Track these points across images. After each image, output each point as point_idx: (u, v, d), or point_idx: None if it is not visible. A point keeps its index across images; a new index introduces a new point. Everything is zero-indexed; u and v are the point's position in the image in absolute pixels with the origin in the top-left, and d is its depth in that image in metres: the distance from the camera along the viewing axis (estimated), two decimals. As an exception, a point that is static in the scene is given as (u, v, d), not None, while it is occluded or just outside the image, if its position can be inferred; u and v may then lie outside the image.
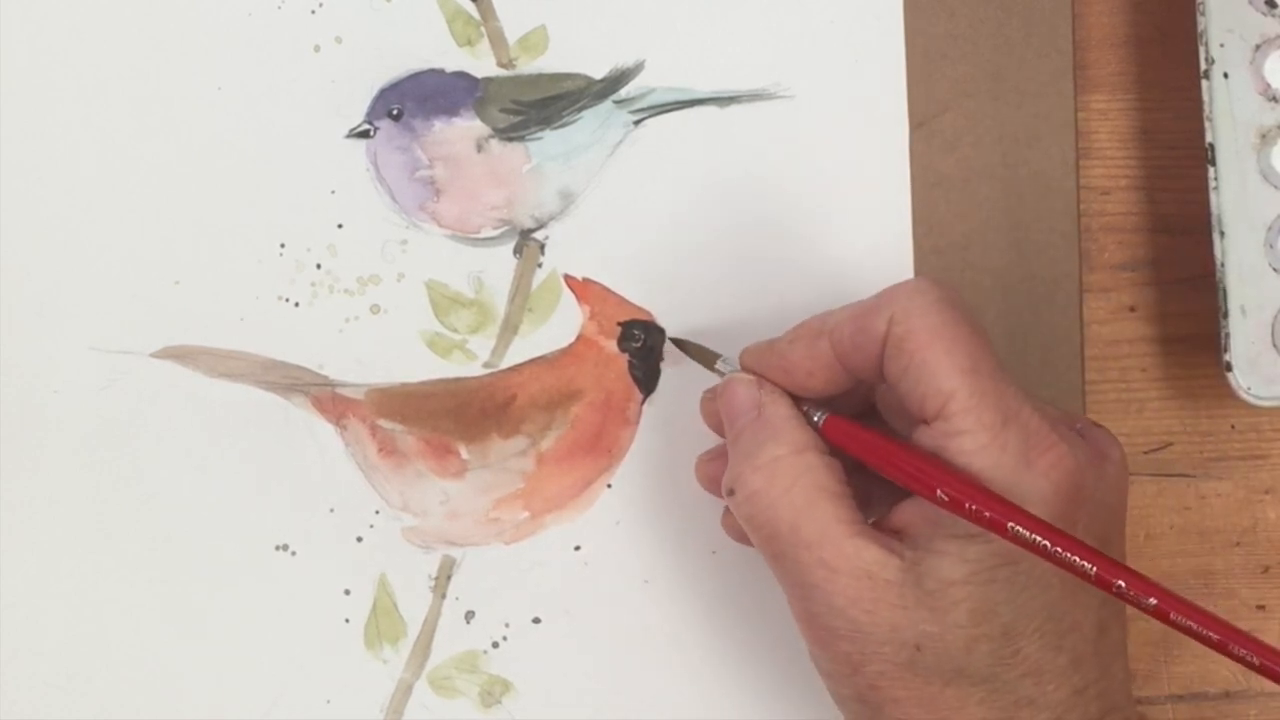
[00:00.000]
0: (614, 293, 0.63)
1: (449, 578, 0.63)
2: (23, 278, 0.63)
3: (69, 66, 0.63)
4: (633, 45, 0.63)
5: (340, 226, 0.63)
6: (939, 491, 0.54)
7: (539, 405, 0.63)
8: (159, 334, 0.63)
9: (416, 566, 0.63)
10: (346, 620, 0.63)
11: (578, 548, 0.63)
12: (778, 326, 0.59)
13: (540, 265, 0.63)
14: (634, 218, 0.63)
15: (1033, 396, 0.55)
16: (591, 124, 0.63)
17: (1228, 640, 0.52)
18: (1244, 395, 0.61)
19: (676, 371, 0.63)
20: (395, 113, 0.63)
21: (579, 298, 0.63)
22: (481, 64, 0.63)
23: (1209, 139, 0.61)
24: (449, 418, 0.63)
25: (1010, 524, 0.53)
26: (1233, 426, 0.65)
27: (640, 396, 0.63)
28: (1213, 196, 0.61)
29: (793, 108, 0.63)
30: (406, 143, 0.63)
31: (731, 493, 0.57)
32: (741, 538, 0.58)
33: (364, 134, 0.63)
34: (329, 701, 0.63)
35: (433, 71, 0.63)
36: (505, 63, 0.63)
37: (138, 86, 0.63)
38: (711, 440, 0.61)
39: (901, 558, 0.55)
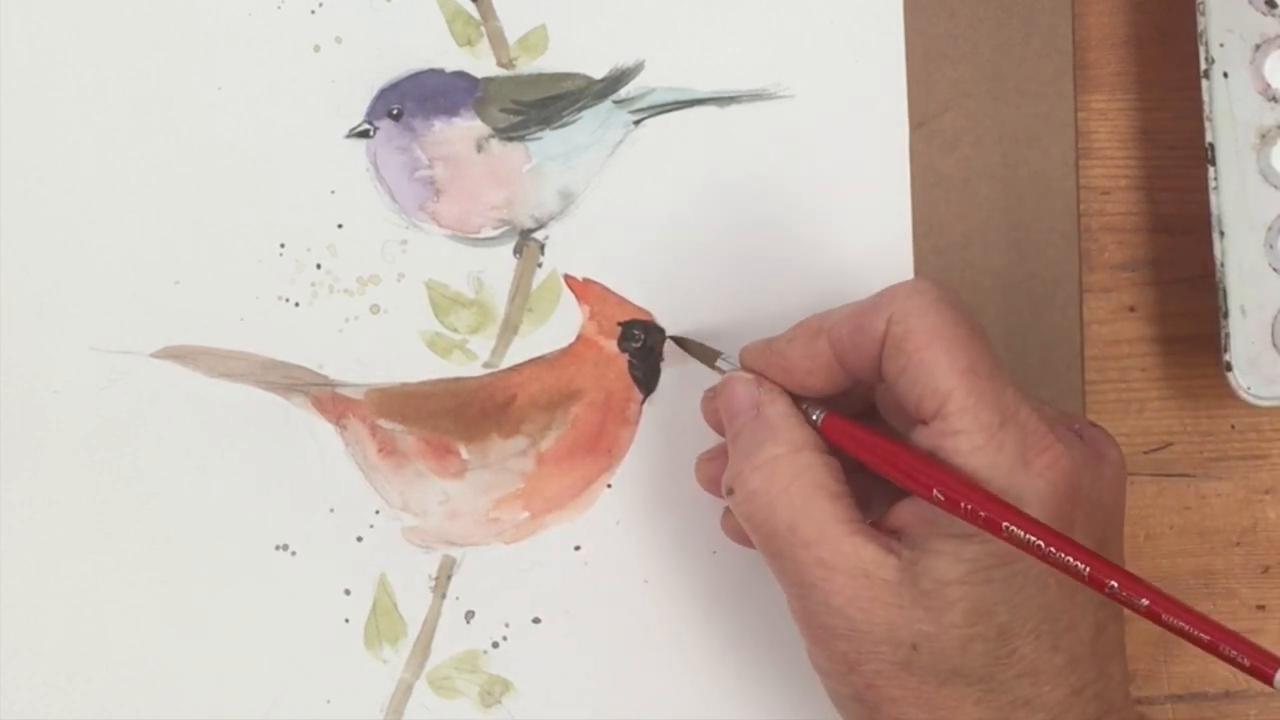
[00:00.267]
0: (614, 293, 0.63)
1: (449, 578, 0.63)
2: (23, 278, 0.63)
3: (69, 66, 0.63)
4: (633, 45, 0.63)
5: (340, 226, 0.63)
6: (934, 491, 0.54)
7: (539, 405, 0.63)
8: (159, 334, 0.63)
9: (416, 566, 0.63)
10: (346, 620, 0.63)
11: (578, 548, 0.63)
12: (778, 326, 0.59)
13: (540, 265, 0.63)
14: (634, 218, 0.63)
15: (1031, 397, 0.56)
16: (591, 124, 0.63)
17: (1218, 641, 0.52)
18: (1244, 395, 0.61)
19: (676, 371, 0.63)
20: (395, 113, 0.63)
21: (579, 298, 0.63)
22: (481, 64, 0.63)
23: (1209, 139, 0.61)
24: (449, 418, 0.63)
25: (1005, 524, 0.53)
26: (1233, 426, 0.65)
27: (640, 396, 0.63)
28: (1213, 196, 0.61)
29: (793, 108, 0.63)
30: (406, 143, 0.63)
31: (731, 492, 0.57)
32: (741, 538, 0.59)
33: (364, 134, 0.63)
34: (329, 701, 0.63)
35: (433, 71, 0.63)
36: (505, 63, 0.63)
37: (138, 86, 0.63)
38: (711, 441, 0.61)
39: (899, 557, 0.55)
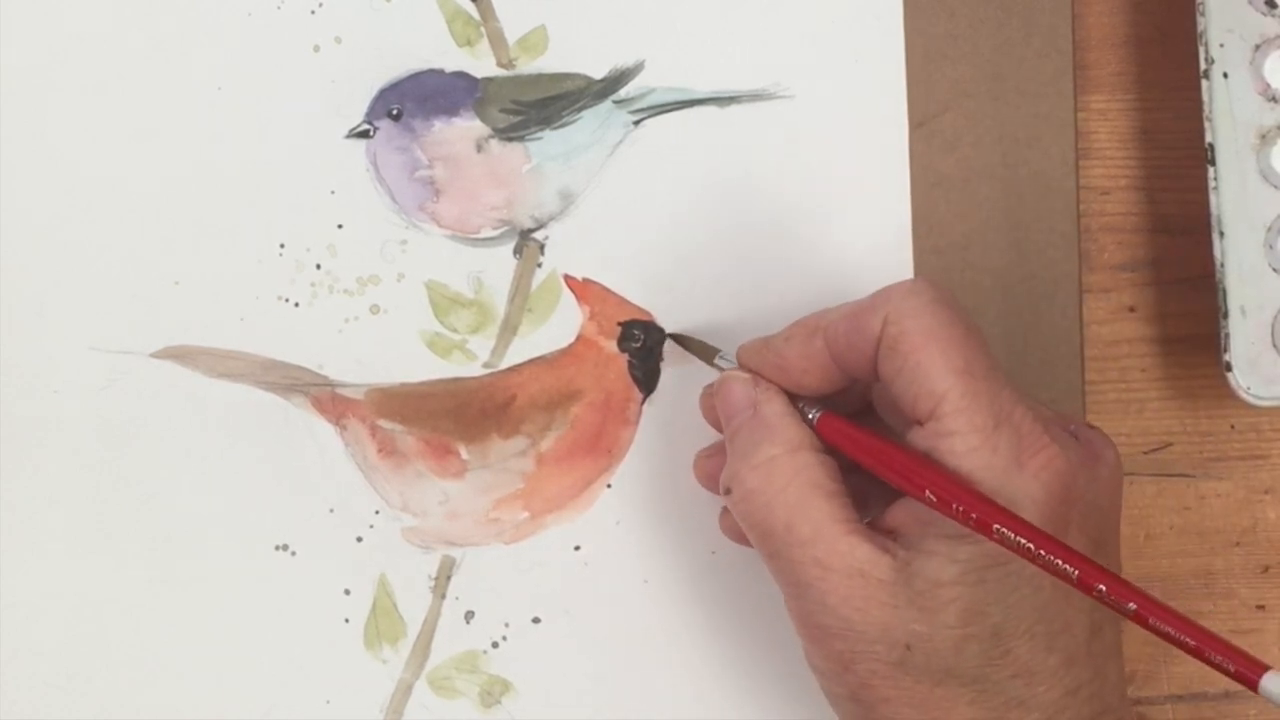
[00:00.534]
0: (614, 293, 0.63)
1: (449, 578, 0.63)
2: (23, 278, 0.63)
3: (69, 66, 0.63)
4: (633, 45, 0.63)
5: (340, 227, 0.63)
6: (927, 492, 0.54)
7: (539, 405, 0.63)
8: (159, 334, 0.63)
9: (416, 566, 0.63)
10: (346, 620, 0.63)
11: (578, 548, 0.63)
12: (778, 326, 0.59)
13: (540, 265, 0.63)
14: (634, 218, 0.63)
15: (1027, 397, 0.56)
16: (591, 124, 0.63)
17: (1204, 647, 0.52)
18: (1244, 395, 0.61)
19: (676, 371, 0.63)
20: (395, 113, 0.63)
21: (579, 298, 0.63)
22: (481, 64, 0.63)
23: (1209, 139, 0.61)
24: (449, 418, 0.63)
25: (995, 526, 0.53)
26: (1233, 426, 0.65)
27: (640, 396, 0.63)
28: (1212, 196, 0.61)
29: (793, 108, 0.63)
30: (406, 143, 0.63)
31: (728, 491, 0.57)
32: (740, 538, 0.59)
33: (364, 134, 0.63)
34: (329, 701, 0.63)
35: (432, 71, 0.63)
36: (505, 63, 0.63)
37: (138, 86, 0.63)
38: (710, 440, 0.61)
39: (894, 557, 0.55)
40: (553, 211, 0.63)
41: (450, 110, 0.63)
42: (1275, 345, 0.61)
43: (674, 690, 0.63)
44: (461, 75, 0.63)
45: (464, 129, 0.63)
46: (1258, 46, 0.61)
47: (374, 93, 0.63)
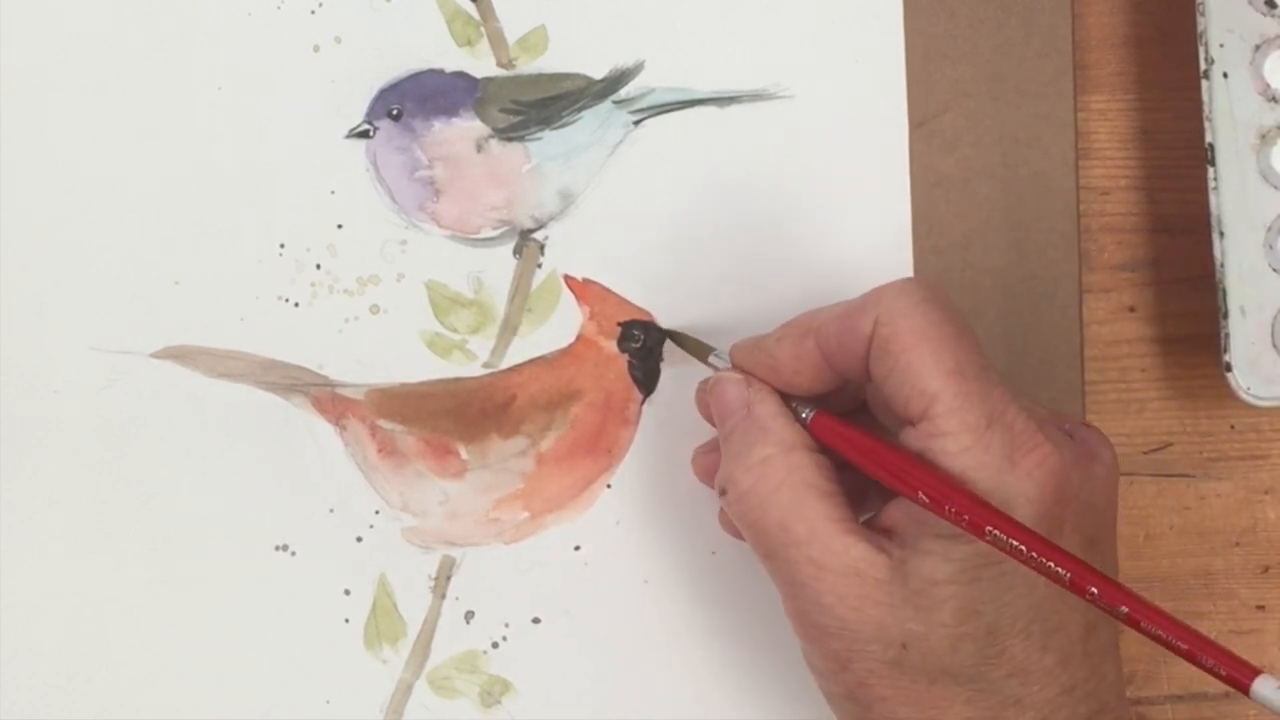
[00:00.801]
0: (614, 293, 0.63)
1: (449, 578, 0.63)
2: (23, 278, 0.63)
3: (69, 66, 0.63)
4: (633, 45, 0.63)
5: (340, 227, 0.63)
6: (920, 493, 0.54)
7: (539, 405, 0.63)
8: (159, 334, 0.63)
9: (416, 566, 0.63)
10: (346, 620, 0.63)
11: (578, 548, 0.63)
12: (777, 326, 0.59)
13: (540, 265, 0.63)
14: (634, 218, 0.63)
15: (1021, 396, 0.56)
16: (591, 124, 0.63)
17: (1197, 651, 0.52)
18: (1244, 395, 0.61)
19: (676, 372, 0.63)
20: (395, 113, 0.63)
21: (579, 298, 0.63)
22: (481, 64, 0.63)
23: (1209, 139, 0.61)
24: (449, 418, 0.63)
25: (988, 527, 0.53)
26: (1232, 427, 0.65)
27: (640, 397, 0.63)
28: (1212, 197, 0.61)
29: (793, 108, 0.63)
30: (406, 143, 0.63)
31: (724, 492, 0.57)
32: (740, 535, 0.59)
33: (364, 134, 0.63)
34: (328, 701, 0.63)
35: (432, 71, 0.63)
36: (505, 63, 0.63)
37: (138, 86, 0.63)
38: (709, 437, 0.61)
39: (889, 556, 0.55)
40: (553, 211, 0.63)
41: (450, 110, 0.63)
42: (1275, 345, 0.61)
43: (674, 690, 0.63)
44: (461, 75, 0.63)
45: (464, 129, 0.63)
46: (1258, 46, 0.61)
47: (374, 93, 0.63)
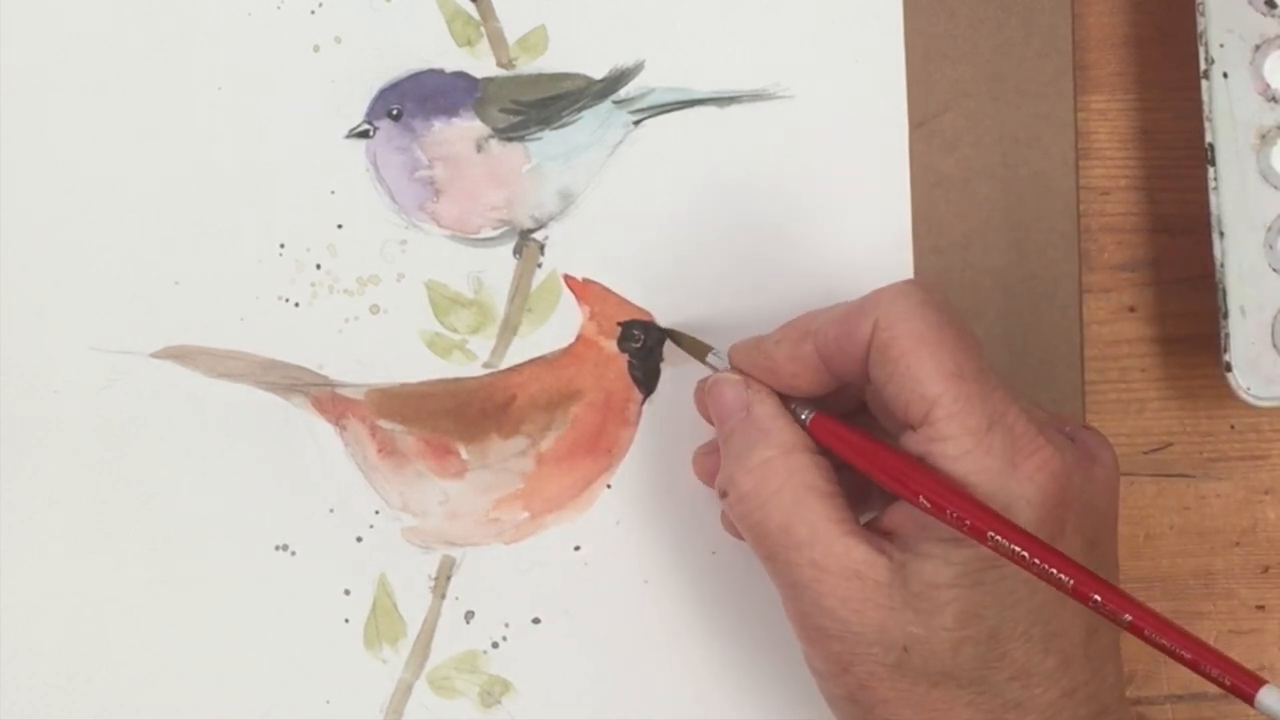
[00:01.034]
0: (614, 293, 0.63)
1: (449, 578, 0.63)
2: (23, 278, 0.63)
3: (69, 66, 0.63)
4: (633, 45, 0.63)
5: (340, 227, 0.63)
6: (921, 497, 0.54)
7: (539, 405, 0.63)
8: (159, 334, 0.63)
9: (416, 566, 0.63)
10: (346, 620, 0.63)
11: (578, 548, 0.63)
12: (777, 326, 0.58)
13: (540, 265, 0.63)
14: (634, 218, 0.63)
15: (1021, 398, 0.55)
16: (591, 124, 0.63)
17: (1201, 660, 0.51)
18: (1244, 395, 0.61)
19: (676, 372, 0.63)
20: (395, 113, 0.63)
21: (579, 298, 0.63)
22: (481, 64, 0.63)
23: (1209, 139, 0.61)
24: (449, 418, 0.63)
25: (990, 533, 0.53)
26: (1232, 427, 0.65)
27: (640, 397, 0.63)
28: (1212, 197, 0.61)
29: (793, 108, 0.63)
30: (406, 143, 0.63)
31: (724, 494, 0.57)
32: (741, 536, 0.58)
33: (364, 134, 0.63)
34: (328, 702, 0.63)
35: (432, 71, 0.63)
36: (505, 63, 0.63)
37: (138, 86, 0.63)
38: (710, 437, 0.61)
39: (890, 558, 0.55)
40: (553, 211, 0.63)
41: (450, 110, 0.63)
42: (1275, 345, 0.61)
43: (674, 690, 0.63)
44: (461, 75, 0.63)
45: (464, 129, 0.63)
46: (1258, 46, 0.61)
47: (374, 93, 0.63)
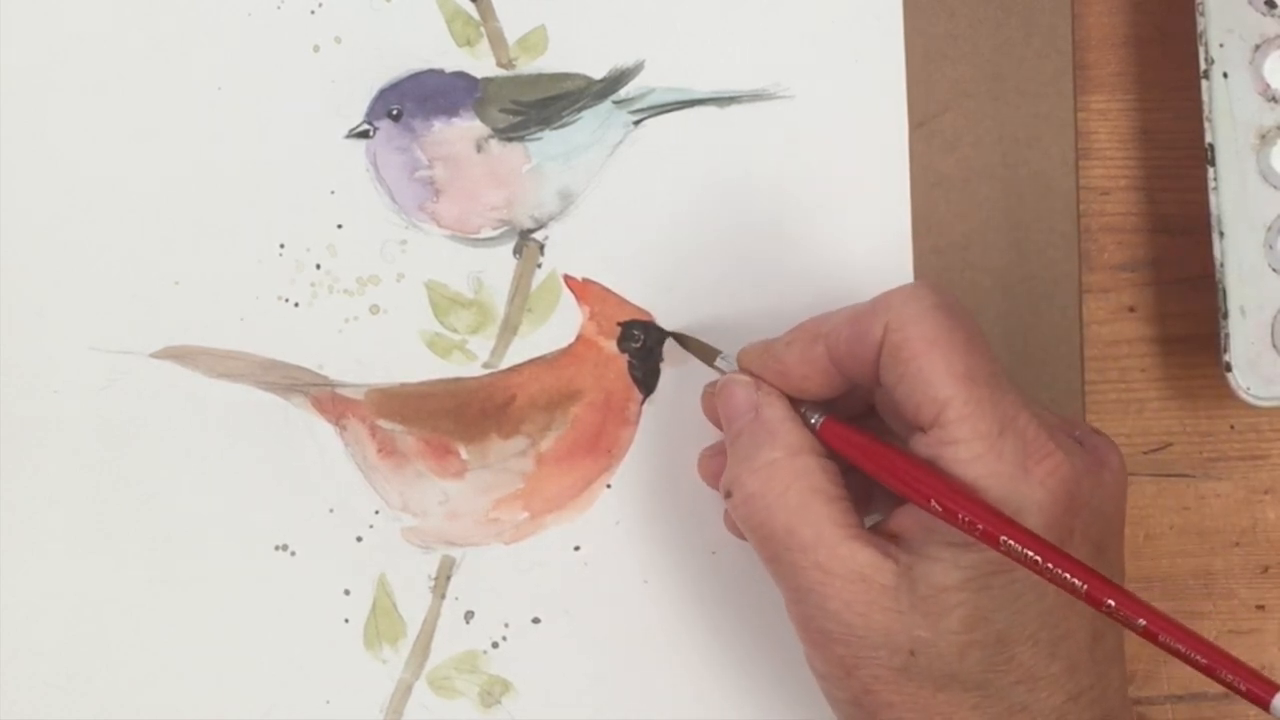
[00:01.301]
0: (614, 293, 0.63)
1: (449, 578, 0.63)
2: (23, 278, 0.63)
3: (69, 66, 0.63)
4: (633, 45, 0.63)
5: (340, 227, 0.63)
6: (932, 501, 0.54)
7: (539, 405, 0.63)
8: (159, 334, 0.63)
9: (416, 566, 0.63)
10: (346, 620, 0.63)
11: (577, 548, 0.63)
12: (778, 327, 0.59)
13: (540, 265, 0.63)
14: (634, 218, 0.63)
15: (1031, 402, 0.55)
16: (591, 124, 0.63)
17: (1216, 665, 0.51)
18: (1244, 395, 0.61)
19: (676, 372, 0.63)
20: (395, 113, 0.63)
21: (578, 298, 0.63)
22: (481, 64, 0.63)
23: (1209, 139, 0.61)
24: (449, 418, 0.63)
25: (1002, 537, 0.53)
26: (1232, 427, 0.65)
27: (640, 397, 0.63)
28: (1212, 197, 0.61)
29: (793, 108, 0.63)
30: (406, 143, 0.63)
31: (729, 494, 0.57)
32: (743, 537, 0.58)
33: (364, 134, 0.63)
34: (328, 702, 0.63)
35: (432, 72, 0.63)
36: (505, 63, 0.63)
37: (138, 86, 0.63)
38: (711, 438, 0.61)
39: (896, 562, 0.54)
40: (553, 211, 0.63)
41: (450, 110, 0.63)
42: (1275, 345, 0.61)
43: (674, 690, 0.63)
44: (461, 75, 0.63)
45: (464, 129, 0.63)
46: (1258, 46, 0.61)
47: (374, 93, 0.63)
